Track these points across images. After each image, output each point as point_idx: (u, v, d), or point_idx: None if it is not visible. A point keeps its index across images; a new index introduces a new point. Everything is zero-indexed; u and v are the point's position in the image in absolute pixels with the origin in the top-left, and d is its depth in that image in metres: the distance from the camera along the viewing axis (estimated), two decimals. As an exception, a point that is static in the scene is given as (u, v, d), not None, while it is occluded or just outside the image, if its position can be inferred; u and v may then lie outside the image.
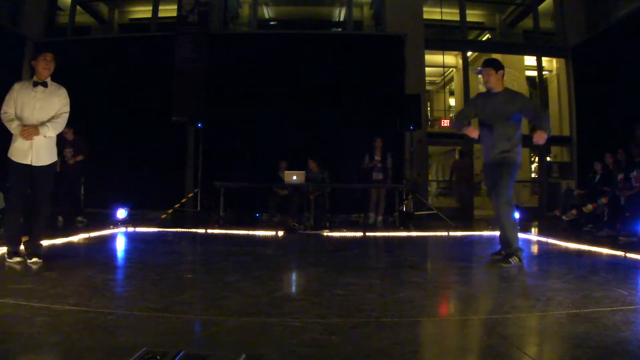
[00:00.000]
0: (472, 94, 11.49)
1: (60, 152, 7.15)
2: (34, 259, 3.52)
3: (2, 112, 3.58)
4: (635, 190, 6.20)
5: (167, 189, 9.32)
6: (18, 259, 3.54)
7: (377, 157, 8.13)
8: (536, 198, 12.21)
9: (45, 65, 3.70)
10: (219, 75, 10.00)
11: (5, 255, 3.60)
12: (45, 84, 3.70)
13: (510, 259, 3.83)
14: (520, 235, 6.44)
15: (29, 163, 3.56)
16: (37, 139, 3.55)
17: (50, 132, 3.63)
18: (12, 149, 3.57)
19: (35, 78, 3.70)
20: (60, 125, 3.70)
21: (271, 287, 2.96)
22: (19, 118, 3.57)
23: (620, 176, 6.63)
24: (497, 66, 3.92)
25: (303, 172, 7.41)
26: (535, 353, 1.83)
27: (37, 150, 3.58)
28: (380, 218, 8.23)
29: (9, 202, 3.81)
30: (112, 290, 2.86)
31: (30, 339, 1.80)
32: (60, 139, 7.18)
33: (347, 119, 9.28)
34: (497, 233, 4.07)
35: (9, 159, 3.56)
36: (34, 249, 3.59)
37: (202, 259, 4.56)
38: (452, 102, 15.15)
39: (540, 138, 3.72)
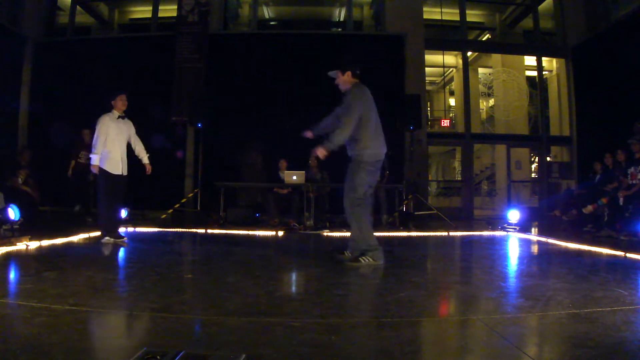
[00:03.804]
0: (472, 94, 11.53)
1: (76, 154, 7.47)
2: (120, 240, 4.89)
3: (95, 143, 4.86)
4: (635, 188, 6.21)
5: (167, 189, 9.31)
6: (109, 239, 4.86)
7: None
8: (536, 198, 12.21)
9: (123, 104, 5.02)
10: (219, 75, 9.99)
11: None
12: (123, 117, 5.06)
13: (360, 258, 3.72)
14: (521, 235, 6.49)
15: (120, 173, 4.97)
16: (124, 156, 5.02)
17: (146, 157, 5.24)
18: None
19: (116, 112, 4.99)
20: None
21: (271, 287, 2.96)
22: (109, 142, 4.89)
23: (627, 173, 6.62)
24: (343, 68, 4.02)
25: (303, 172, 7.40)
26: (535, 353, 1.83)
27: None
28: (385, 217, 8.18)
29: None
30: (112, 290, 2.86)
31: (30, 339, 1.80)
32: (78, 142, 7.52)
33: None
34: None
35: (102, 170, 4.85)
36: (118, 234, 4.98)
37: (202, 259, 4.56)
38: (452, 102, 15.16)
39: (319, 151, 3.74)
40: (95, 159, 4.84)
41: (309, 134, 4.17)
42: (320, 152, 3.75)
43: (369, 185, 3.86)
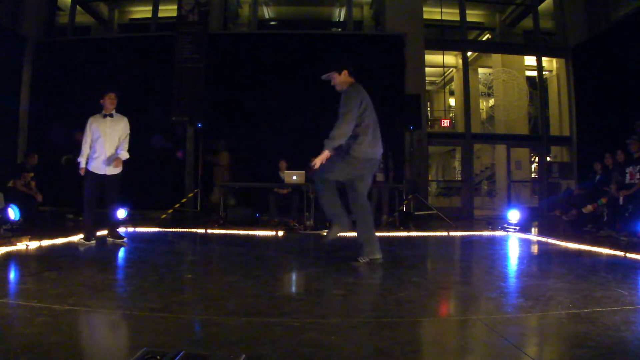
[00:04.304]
0: (472, 94, 11.53)
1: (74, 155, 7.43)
2: (119, 240, 4.94)
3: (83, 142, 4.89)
4: (635, 188, 6.21)
5: (167, 189, 9.31)
6: (91, 242, 4.82)
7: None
8: (536, 198, 12.22)
9: (110, 102, 4.92)
10: (219, 75, 9.99)
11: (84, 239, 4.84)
12: (111, 115, 4.95)
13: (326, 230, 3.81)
14: (521, 235, 6.49)
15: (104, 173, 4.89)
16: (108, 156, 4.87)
17: (126, 155, 4.95)
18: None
19: (104, 111, 4.93)
20: (127, 145, 5.01)
21: (271, 287, 2.96)
22: (94, 142, 4.88)
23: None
24: (339, 68, 3.93)
25: (303, 172, 7.39)
26: (535, 353, 1.83)
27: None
28: (385, 217, 8.18)
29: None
30: (112, 290, 2.86)
31: (30, 339, 1.80)
32: (75, 142, 7.50)
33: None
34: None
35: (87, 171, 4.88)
36: (117, 234, 5.01)
37: (202, 259, 4.56)
38: (452, 102, 15.15)
39: (320, 157, 3.68)
40: (81, 162, 4.87)
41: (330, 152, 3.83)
42: (322, 157, 3.68)
43: (346, 175, 3.82)
